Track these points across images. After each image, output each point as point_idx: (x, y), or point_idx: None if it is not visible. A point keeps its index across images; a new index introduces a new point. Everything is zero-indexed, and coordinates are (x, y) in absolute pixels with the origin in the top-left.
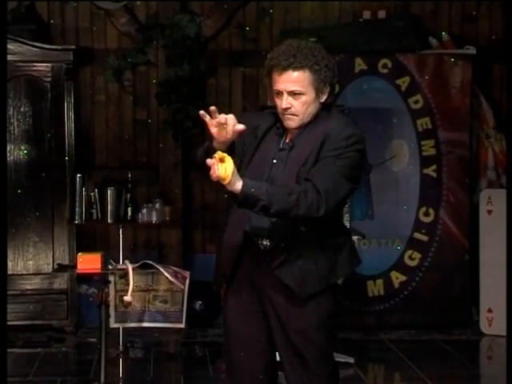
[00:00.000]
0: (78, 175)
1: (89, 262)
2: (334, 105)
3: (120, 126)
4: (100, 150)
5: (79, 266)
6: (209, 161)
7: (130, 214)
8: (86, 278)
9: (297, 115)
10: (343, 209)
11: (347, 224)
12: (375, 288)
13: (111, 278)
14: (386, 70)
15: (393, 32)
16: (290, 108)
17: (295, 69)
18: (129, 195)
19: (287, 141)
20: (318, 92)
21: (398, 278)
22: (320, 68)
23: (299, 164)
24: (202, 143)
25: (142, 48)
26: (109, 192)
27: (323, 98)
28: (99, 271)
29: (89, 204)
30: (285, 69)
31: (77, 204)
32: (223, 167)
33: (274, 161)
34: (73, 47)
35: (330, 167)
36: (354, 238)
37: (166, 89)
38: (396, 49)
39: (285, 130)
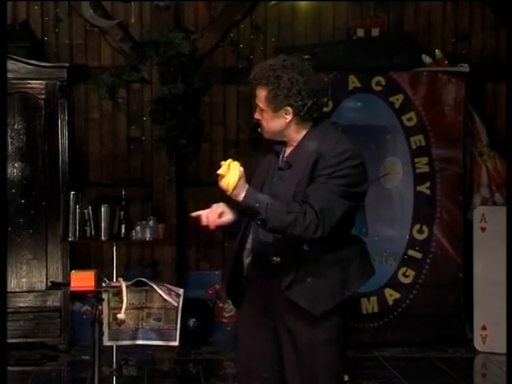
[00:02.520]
0: (72, 192)
1: (82, 280)
2: (328, 122)
3: (114, 144)
4: (94, 167)
5: (73, 284)
6: (221, 163)
7: (123, 231)
8: (79, 296)
9: (263, 127)
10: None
11: None
12: (369, 305)
13: (105, 296)
14: (379, 88)
15: (386, 49)
16: (259, 120)
17: (256, 85)
18: (122, 212)
19: (285, 159)
20: (275, 110)
21: (392, 295)
22: (273, 88)
23: (294, 184)
24: (195, 160)
25: (136, 65)
26: (103, 209)
27: (288, 118)
28: (93, 289)
29: (82, 221)
30: (253, 83)
31: (70, 221)
32: (227, 179)
33: (274, 179)
34: (67, 65)
35: (325, 187)
36: None
37: (160, 106)
38: (389, 66)
39: (282, 150)
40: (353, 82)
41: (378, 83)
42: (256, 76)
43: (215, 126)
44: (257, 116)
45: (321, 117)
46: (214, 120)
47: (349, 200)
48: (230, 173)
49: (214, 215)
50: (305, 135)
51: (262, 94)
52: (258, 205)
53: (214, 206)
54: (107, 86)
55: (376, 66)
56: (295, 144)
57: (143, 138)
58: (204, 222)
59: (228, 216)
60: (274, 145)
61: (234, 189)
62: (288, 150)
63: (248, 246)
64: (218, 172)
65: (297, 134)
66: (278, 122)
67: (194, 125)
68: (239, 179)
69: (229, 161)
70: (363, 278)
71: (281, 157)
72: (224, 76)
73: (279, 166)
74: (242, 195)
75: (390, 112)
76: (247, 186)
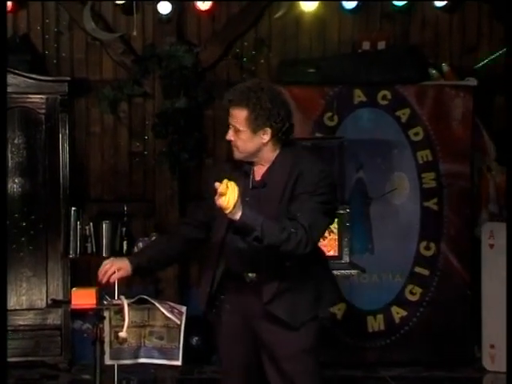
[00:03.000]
0: (73, 208)
1: (83, 298)
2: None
3: (115, 158)
4: (95, 182)
5: (73, 302)
6: (217, 185)
7: (125, 247)
8: (80, 314)
9: (237, 147)
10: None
11: (347, 258)
12: (375, 323)
13: (106, 314)
14: (385, 102)
15: (392, 63)
16: (232, 141)
17: (234, 106)
18: (124, 229)
19: (257, 179)
20: (255, 131)
21: (398, 313)
22: (254, 109)
23: (275, 202)
24: (198, 175)
25: (138, 79)
26: (104, 225)
27: (265, 139)
28: (94, 306)
29: (83, 238)
30: (229, 103)
31: (71, 238)
32: (227, 198)
33: (247, 199)
34: (68, 78)
35: (309, 205)
36: (354, 272)
37: (162, 120)
38: (396, 80)
39: (251, 170)
40: (358, 95)
41: (384, 97)
42: (235, 97)
43: (218, 141)
44: (230, 137)
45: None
46: (218, 134)
47: (329, 217)
48: (230, 191)
49: (110, 272)
50: (277, 155)
51: (241, 114)
52: (253, 223)
53: (108, 262)
54: (109, 99)
55: (382, 79)
56: (267, 164)
57: (145, 152)
58: (101, 278)
59: (124, 271)
60: (240, 165)
61: (234, 207)
62: (259, 170)
63: (221, 265)
64: (219, 190)
65: (270, 154)
66: (255, 142)
67: (197, 139)
68: (238, 198)
69: (225, 181)
70: (336, 294)
71: (251, 176)
72: (228, 89)
73: (253, 186)
74: (240, 214)
75: (397, 126)
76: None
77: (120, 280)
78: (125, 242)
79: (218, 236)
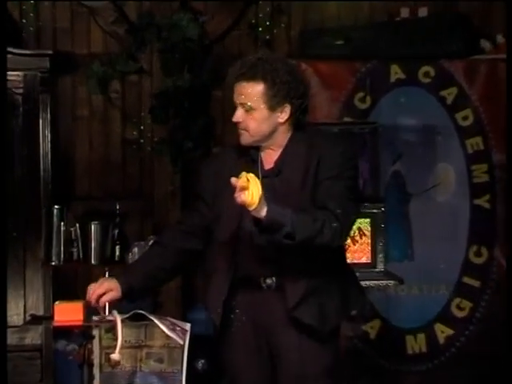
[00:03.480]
0: (56, 207)
1: (68, 313)
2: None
3: (106, 148)
4: (82, 176)
5: (56, 318)
6: (233, 180)
7: (118, 253)
8: (64, 332)
9: (247, 131)
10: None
11: (382, 266)
12: (416, 344)
13: (95, 332)
14: (428, 80)
15: (436, 33)
16: (240, 122)
17: (247, 79)
18: (117, 231)
19: (269, 167)
20: (273, 109)
21: (443, 331)
22: (275, 82)
23: (295, 190)
24: (206, 167)
25: (133, 53)
26: (92, 227)
27: (283, 118)
28: (81, 323)
29: (68, 242)
30: (238, 78)
31: (54, 242)
32: (250, 192)
33: None
34: (49, 52)
35: (336, 190)
36: (391, 283)
37: (162, 102)
38: (440, 54)
39: (258, 157)
40: (395, 72)
41: (427, 74)
42: (247, 70)
43: (229, 126)
44: (239, 118)
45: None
46: (228, 118)
47: (357, 205)
48: (252, 185)
49: (99, 292)
50: (290, 138)
51: (255, 89)
52: (282, 217)
53: (96, 283)
54: (98, 77)
55: (424, 53)
56: (279, 149)
57: (142, 140)
58: (89, 298)
59: (114, 293)
60: (244, 153)
61: (260, 201)
62: (269, 156)
63: (231, 271)
64: (239, 184)
65: (284, 137)
66: (271, 122)
67: (204, 124)
68: (261, 194)
69: (244, 173)
70: (363, 299)
71: (259, 165)
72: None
73: (264, 175)
74: (265, 209)
75: (441, 109)
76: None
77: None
78: (117, 247)
79: (225, 235)
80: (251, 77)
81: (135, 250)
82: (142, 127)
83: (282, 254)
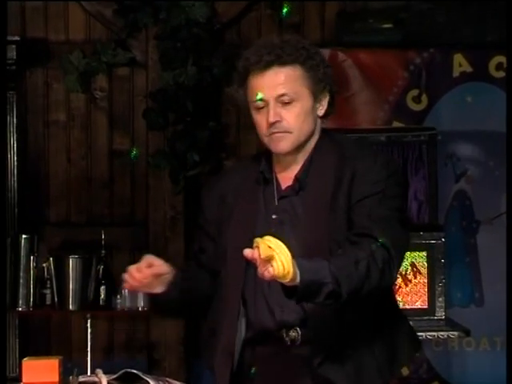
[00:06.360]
0: (24, 236)
1: (39, 371)
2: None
3: (88, 161)
4: (58, 196)
5: (25, 378)
6: (249, 254)
7: (103, 296)
8: None
9: (290, 132)
10: None
11: (442, 313)
12: None
13: None
14: (502, 74)
15: None
16: (279, 122)
17: (283, 64)
18: (102, 267)
19: (288, 185)
20: (316, 97)
21: None
22: (317, 63)
23: (323, 212)
24: (208, 191)
25: (124, 40)
26: (71, 262)
27: (321, 111)
28: None
29: (40, 281)
30: (268, 66)
31: (21, 281)
32: (278, 261)
33: (274, 216)
34: (16, 38)
35: (380, 212)
36: (453, 334)
37: (160, 103)
38: None
39: (271, 173)
40: (460, 64)
41: (500, 66)
42: (285, 52)
43: (245, 134)
44: (277, 116)
45: None
46: (244, 123)
47: (407, 230)
48: (277, 251)
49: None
50: (316, 145)
51: (292, 76)
52: (319, 275)
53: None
54: (79, 71)
55: (496, 39)
56: (302, 159)
57: (134, 152)
58: (132, 282)
59: (166, 269)
60: (250, 169)
61: (293, 267)
62: (286, 170)
63: (241, 323)
64: (262, 257)
65: (310, 143)
66: (313, 117)
67: (213, 132)
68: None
69: (258, 239)
70: (415, 349)
71: (274, 183)
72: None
73: (281, 195)
74: (298, 273)
75: None
76: None
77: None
78: (102, 288)
79: (234, 276)
80: (286, 60)
81: (125, 291)
82: (134, 135)
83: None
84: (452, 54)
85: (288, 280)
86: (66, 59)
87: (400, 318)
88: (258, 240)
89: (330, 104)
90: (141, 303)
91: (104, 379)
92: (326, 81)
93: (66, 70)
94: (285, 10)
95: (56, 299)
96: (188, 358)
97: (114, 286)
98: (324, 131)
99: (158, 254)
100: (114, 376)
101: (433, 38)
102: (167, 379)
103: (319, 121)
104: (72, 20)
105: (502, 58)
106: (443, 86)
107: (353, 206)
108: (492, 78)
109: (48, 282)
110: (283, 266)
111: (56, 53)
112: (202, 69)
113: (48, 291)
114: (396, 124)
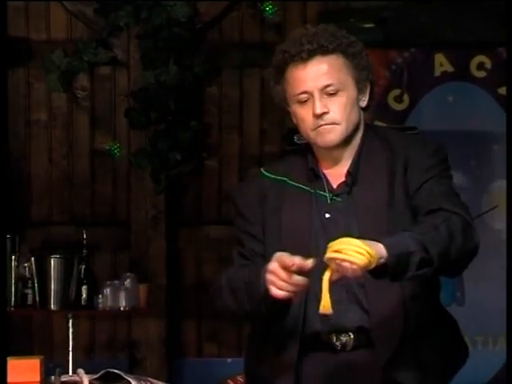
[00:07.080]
0: (6, 236)
1: (22, 372)
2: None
3: (70, 160)
4: (39, 196)
5: (9, 377)
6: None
7: (84, 296)
8: None
9: (338, 123)
10: None
11: None
12: None
13: None
14: (483, 73)
15: (493, 14)
16: (327, 113)
17: (326, 53)
18: (83, 267)
19: (339, 182)
20: (360, 87)
21: None
22: (358, 51)
23: (380, 206)
24: (196, 186)
25: (105, 39)
26: (52, 262)
27: (364, 102)
28: None
29: (21, 281)
30: (311, 56)
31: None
32: (353, 253)
33: (327, 215)
34: None
35: (445, 188)
36: None
37: (141, 102)
38: (499, 40)
39: (319, 170)
40: (441, 64)
41: (481, 66)
42: (327, 41)
43: (227, 133)
44: (324, 108)
45: None
46: (226, 123)
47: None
48: (348, 249)
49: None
50: (363, 137)
51: (334, 65)
52: (404, 245)
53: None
54: (60, 70)
55: (478, 38)
56: (350, 154)
57: (116, 151)
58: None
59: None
60: (295, 166)
61: (372, 249)
62: (332, 166)
63: (298, 326)
64: (341, 263)
65: (357, 136)
66: (357, 109)
67: (195, 131)
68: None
69: (326, 259)
70: (467, 352)
71: (324, 180)
72: (241, 55)
73: (333, 193)
74: (382, 248)
75: (499, 110)
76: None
77: None
78: (84, 288)
79: None
80: (328, 49)
81: (107, 291)
82: (115, 134)
83: (365, 293)
84: (433, 54)
85: (374, 262)
86: (48, 58)
87: (450, 319)
88: (326, 259)
89: (370, 95)
90: (122, 303)
91: (85, 379)
92: (368, 69)
93: (47, 70)
94: (268, 9)
95: (38, 299)
96: (169, 357)
97: (95, 286)
98: (366, 124)
99: (140, 254)
100: (96, 376)
101: (414, 38)
102: (149, 379)
103: (363, 113)
104: (53, 19)
105: (482, 58)
106: (425, 86)
107: (413, 194)
108: (473, 77)
109: (29, 281)
110: (365, 256)
111: (37, 52)
112: (183, 68)
113: (29, 291)
114: (378, 123)
